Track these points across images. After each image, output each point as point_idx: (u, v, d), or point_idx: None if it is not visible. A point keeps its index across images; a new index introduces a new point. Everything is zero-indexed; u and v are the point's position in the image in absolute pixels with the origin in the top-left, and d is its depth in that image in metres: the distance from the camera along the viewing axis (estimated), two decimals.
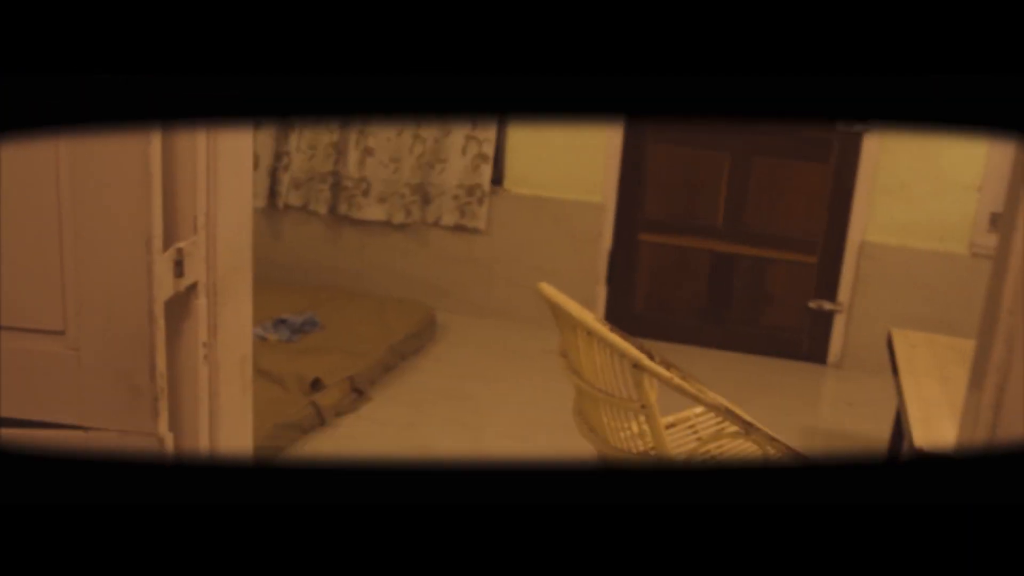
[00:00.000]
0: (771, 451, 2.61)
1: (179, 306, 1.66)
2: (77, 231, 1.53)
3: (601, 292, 5.00)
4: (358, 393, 4.09)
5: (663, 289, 4.96)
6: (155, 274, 1.53)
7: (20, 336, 1.59)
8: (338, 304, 4.81)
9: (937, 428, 2.70)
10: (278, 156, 5.14)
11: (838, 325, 4.76)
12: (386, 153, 5.00)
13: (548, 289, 2.71)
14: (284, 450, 3.61)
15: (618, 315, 4.95)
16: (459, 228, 5.03)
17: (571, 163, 4.88)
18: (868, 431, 4.10)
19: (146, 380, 1.55)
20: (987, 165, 4.38)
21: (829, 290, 4.75)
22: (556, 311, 2.69)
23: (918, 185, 4.50)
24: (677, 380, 2.47)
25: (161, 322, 1.56)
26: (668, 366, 2.82)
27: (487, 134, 4.83)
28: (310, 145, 5.12)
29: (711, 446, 2.82)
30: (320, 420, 3.83)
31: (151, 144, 1.48)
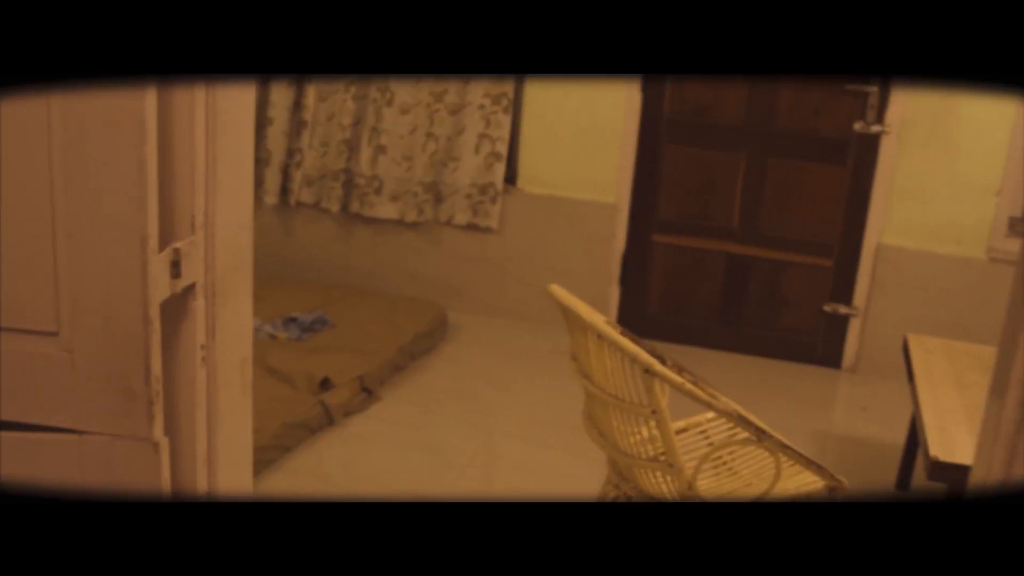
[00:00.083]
0: (783, 458, 2.56)
1: (177, 307, 1.63)
2: (71, 230, 1.50)
3: (614, 293, 4.95)
4: (368, 393, 4.06)
5: (677, 291, 4.92)
6: (150, 275, 1.50)
7: (12, 337, 1.56)
8: (349, 303, 4.77)
9: (953, 436, 2.65)
10: (290, 153, 5.11)
11: (853, 329, 4.70)
12: (399, 151, 4.96)
13: (559, 291, 2.67)
14: (292, 450, 3.59)
15: (631, 316, 4.90)
16: (472, 227, 5.00)
17: (585, 163, 4.84)
18: (882, 437, 4.05)
19: (140, 384, 1.52)
20: (1006, 168, 4.31)
21: (844, 293, 4.70)
22: (567, 314, 2.65)
23: (936, 188, 4.45)
24: (689, 386, 2.43)
25: (156, 324, 1.52)
26: (680, 370, 2.77)
27: (500, 132, 4.79)
28: (322, 142, 5.09)
29: (722, 452, 2.78)
30: (329, 419, 3.81)
31: (147, 141, 1.44)
